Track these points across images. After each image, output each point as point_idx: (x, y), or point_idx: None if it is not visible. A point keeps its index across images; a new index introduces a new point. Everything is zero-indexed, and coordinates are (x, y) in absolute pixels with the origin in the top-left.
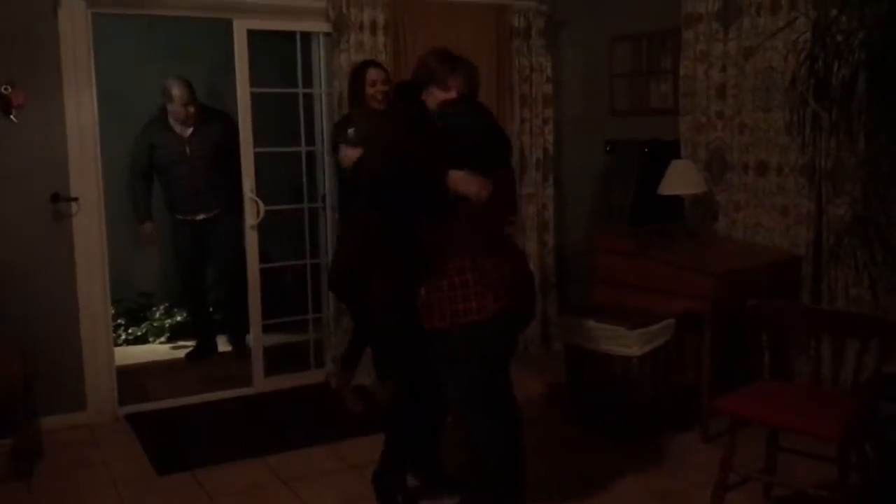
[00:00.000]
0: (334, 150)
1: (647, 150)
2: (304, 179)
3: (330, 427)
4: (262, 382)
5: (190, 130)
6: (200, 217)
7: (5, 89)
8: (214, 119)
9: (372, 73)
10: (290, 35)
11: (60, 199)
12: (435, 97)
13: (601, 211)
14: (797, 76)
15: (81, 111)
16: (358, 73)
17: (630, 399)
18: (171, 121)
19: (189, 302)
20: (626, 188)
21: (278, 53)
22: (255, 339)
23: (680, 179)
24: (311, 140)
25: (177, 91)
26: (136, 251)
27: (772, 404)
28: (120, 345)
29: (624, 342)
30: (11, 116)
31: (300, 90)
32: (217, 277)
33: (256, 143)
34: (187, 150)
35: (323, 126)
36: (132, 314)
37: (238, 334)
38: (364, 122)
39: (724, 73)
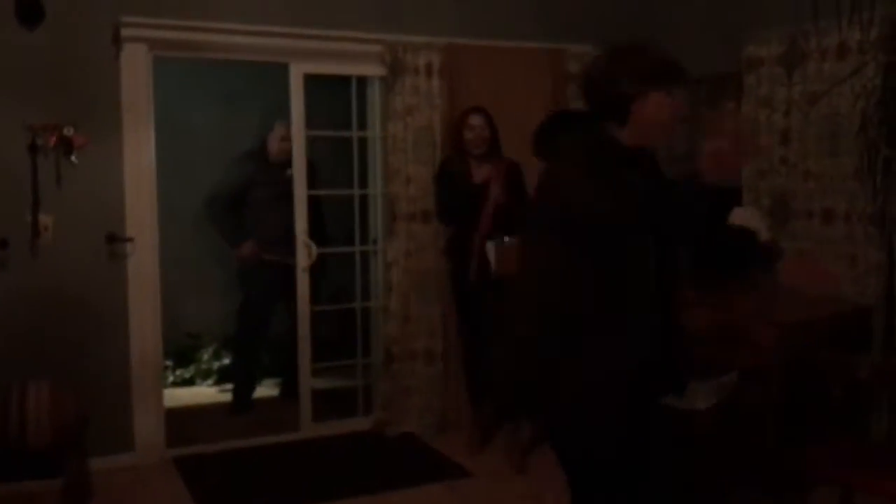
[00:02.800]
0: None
1: (707, 196)
2: (357, 222)
3: (378, 477)
4: (309, 427)
5: (290, 171)
6: (290, 261)
7: (67, 131)
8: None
9: (473, 118)
10: (345, 79)
11: (116, 240)
12: (660, 106)
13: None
14: (868, 121)
15: (140, 153)
16: (460, 118)
17: (694, 456)
18: (270, 158)
19: (245, 349)
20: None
21: (332, 96)
22: (304, 382)
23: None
24: (363, 183)
25: (279, 127)
26: (186, 292)
27: (847, 463)
28: (167, 386)
29: (688, 396)
30: (72, 157)
31: (354, 133)
32: (287, 321)
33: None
34: (287, 189)
35: (377, 169)
36: (180, 356)
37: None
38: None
39: (788, 117)
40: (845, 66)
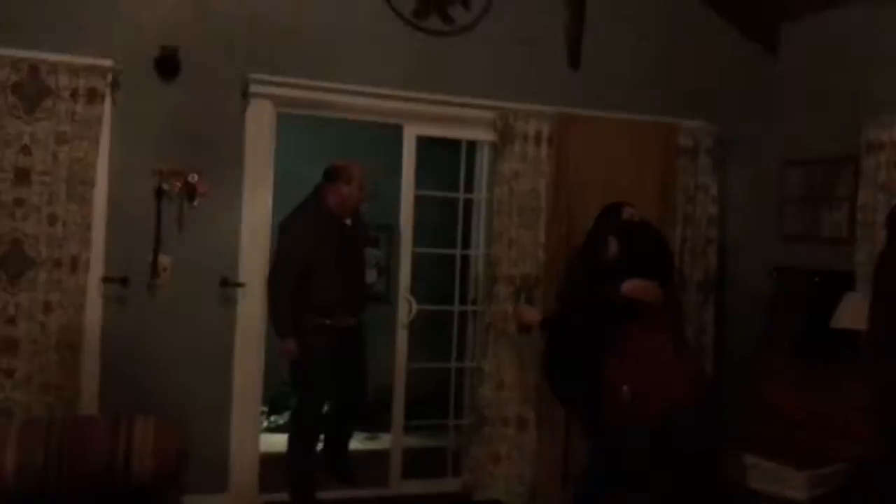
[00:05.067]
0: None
1: (819, 280)
2: (458, 281)
3: None
4: (398, 484)
5: (350, 222)
6: (350, 322)
7: (192, 178)
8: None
9: (625, 212)
10: (454, 141)
11: (229, 284)
12: None
13: (765, 339)
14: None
15: (258, 203)
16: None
17: None
18: (335, 210)
19: (311, 437)
20: (793, 318)
21: (440, 156)
22: (395, 439)
23: (855, 313)
24: (466, 243)
25: (359, 172)
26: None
27: None
28: (262, 432)
29: (791, 484)
30: (194, 203)
31: (461, 195)
32: (349, 389)
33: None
34: (353, 244)
35: (481, 230)
36: (274, 403)
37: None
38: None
39: None
40: None
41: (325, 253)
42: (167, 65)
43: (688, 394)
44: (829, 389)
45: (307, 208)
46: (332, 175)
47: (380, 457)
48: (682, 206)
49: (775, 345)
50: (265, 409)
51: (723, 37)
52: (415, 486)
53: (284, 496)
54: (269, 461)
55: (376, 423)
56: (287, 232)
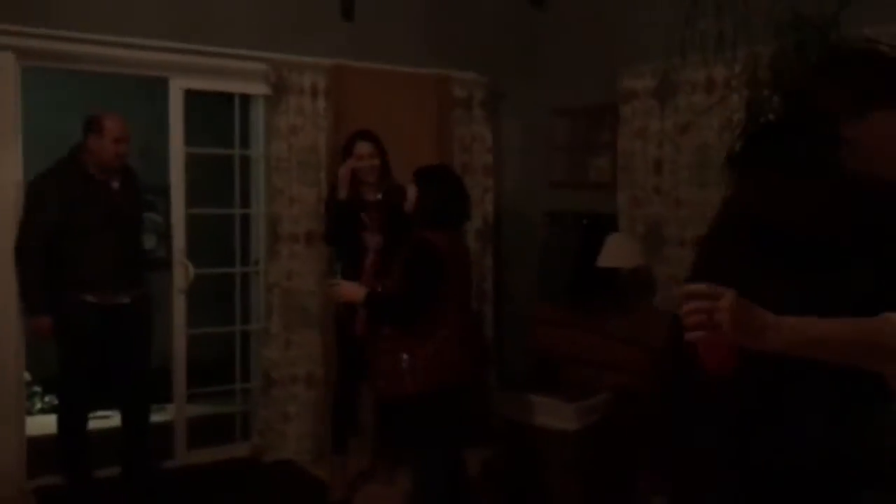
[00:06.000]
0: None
1: (586, 223)
2: (238, 242)
3: None
4: (184, 454)
5: (117, 184)
6: (124, 300)
7: None
8: (132, 174)
9: (360, 147)
10: (228, 96)
11: None
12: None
13: (540, 282)
14: (732, 153)
15: (4, 166)
16: (347, 144)
17: (566, 476)
18: (93, 169)
19: (78, 416)
20: (564, 260)
21: (215, 114)
22: (179, 409)
23: (617, 252)
24: (246, 202)
25: (111, 122)
26: None
27: None
28: (34, 414)
29: (562, 416)
30: None
31: (237, 151)
32: (127, 376)
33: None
34: (122, 208)
35: (260, 188)
36: (50, 381)
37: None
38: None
39: (661, 148)
40: (713, 100)
41: (81, 218)
42: None
43: (468, 366)
44: (595, 325)
45: (57, 167)
46: (84, 129)
47: (165, 429)
48: (458, 157)
49: (548, 287)
50: (39, 389)
51: None
52: (202, 455)
53: (58, 479)
54: (43, 443)
55: (162, 394)
56: (30, 195)
